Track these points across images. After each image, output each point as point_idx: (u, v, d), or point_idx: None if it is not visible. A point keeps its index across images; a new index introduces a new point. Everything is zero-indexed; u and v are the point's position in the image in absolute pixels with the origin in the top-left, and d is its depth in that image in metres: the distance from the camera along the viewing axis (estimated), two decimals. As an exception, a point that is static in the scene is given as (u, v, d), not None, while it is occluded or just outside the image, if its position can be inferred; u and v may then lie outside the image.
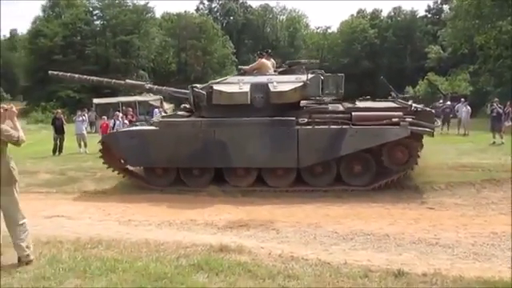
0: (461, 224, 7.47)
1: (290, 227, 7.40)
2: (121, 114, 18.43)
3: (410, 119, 9.67)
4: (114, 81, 12.97)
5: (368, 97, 12.94)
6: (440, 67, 48.82)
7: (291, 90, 10.11)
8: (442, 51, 50.52)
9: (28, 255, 5.13)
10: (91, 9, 54.21)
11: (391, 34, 61.95)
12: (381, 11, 68.26)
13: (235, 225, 7.64)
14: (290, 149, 9.84)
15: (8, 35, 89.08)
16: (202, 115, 10.57)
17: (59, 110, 19.59)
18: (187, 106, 11.51)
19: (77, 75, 12.96)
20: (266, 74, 10.96)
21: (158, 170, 10.62)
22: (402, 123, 9.59)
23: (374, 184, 9.97)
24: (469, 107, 21.01)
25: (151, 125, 11.10)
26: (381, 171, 10.10)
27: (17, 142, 5.13)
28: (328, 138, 9.77)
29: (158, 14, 59.45)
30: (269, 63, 11.58)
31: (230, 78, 11.12)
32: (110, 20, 52.21)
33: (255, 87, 10.26)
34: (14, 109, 5.30)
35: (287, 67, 11.75)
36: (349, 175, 10.10)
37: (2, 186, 5.09)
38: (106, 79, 13.12)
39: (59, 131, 16.92)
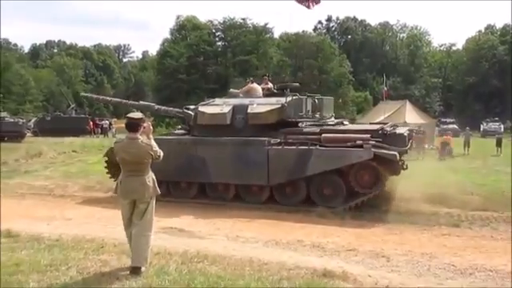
0: None
1: (402, 255, 6.93)
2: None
3: (374, 142, 9.67)
4: (130, 102, 14.77)
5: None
6: None
7: (267, 111, 10.79)
8: None
9: (140, 268, 5.31)
10: (214, 31, 57.04)
11: (524, 50, 57.03)
12: (512, 26, 63.35)
13: (343, 249, 7.35)
14: (261, 167, 10.32)
15: (140, 56, 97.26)
16: (193, 134, 11.63)
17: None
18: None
19: (101, 97, 15.58)
20: (252, 97, 11.68)
21: None
22: (365, 145, 9.63)
23: (343, 205, 9.98)
24: None
25: None
26: (353, 193, 10.08)
27: (158, 158, 5.53)
28: (296, 158, 10.13)
29: (277, 35, 60.86)
30: (258, 87, 12.37)
31: (217, 100, 11.93)
32: (231, 41, 54.51)
33: (237, 109, 11.09)
34: (150, 125, 5.68)
35: (276, 90, 12.36)
36: (318, 196, 10.25)
37: (147, 197, 5.50)
38: (124, 100, 15.50)
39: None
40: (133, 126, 5.47)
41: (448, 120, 42.76)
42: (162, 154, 5.58)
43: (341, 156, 9.82)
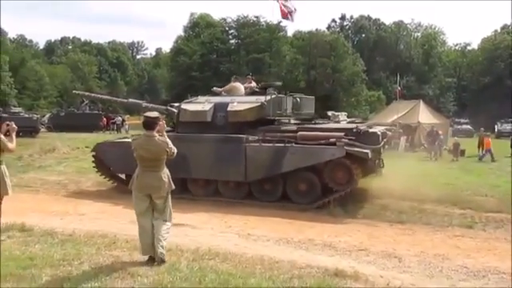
0: None
1: (414, 256, 6.89)
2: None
3: (347, 140, 9.81)
4: (119, 99, 16.22)
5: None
6: None
7: (247, 109, 11.01)
8: None
9: (162, 254, 5.52)
10: (227, 28, 57.05)
11: (541, 50, 56.17)
12: (529, 26, 62.41)
13: (355, 248, 7.32)
14: (239, 164, 10.53)
15: (154, 53, 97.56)
16: (177, 131, 11.68)
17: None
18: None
19: (93, 94, 16.65)
20: (234, 95, 11.93)
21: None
22: (338, 143, 9.77)
23: (317, 202, 10.17)
24: None
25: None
26: (328, 190, 10.24)
27: (173, 155, 5.74)
28: (272, 155, 10.32)
29: (290, 33, 60.67)
30: (240, 86, 12.58)
31: (200, 98, 12.15)
32: (245, 39, 54.46)
33: (218, 106, 11.32)
34: (164, 123, 5.87)
35: (258, 89, 12.47)
36: (294, 192, 10.45)
37: (163, 192, 5.72)
38: (114, 98, 16.86)
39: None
40: (150, 124, 5.68)
41: (462, 120, 42.21)
42: (175, 151, 5.76)
43: (314, 153, 10.00)
